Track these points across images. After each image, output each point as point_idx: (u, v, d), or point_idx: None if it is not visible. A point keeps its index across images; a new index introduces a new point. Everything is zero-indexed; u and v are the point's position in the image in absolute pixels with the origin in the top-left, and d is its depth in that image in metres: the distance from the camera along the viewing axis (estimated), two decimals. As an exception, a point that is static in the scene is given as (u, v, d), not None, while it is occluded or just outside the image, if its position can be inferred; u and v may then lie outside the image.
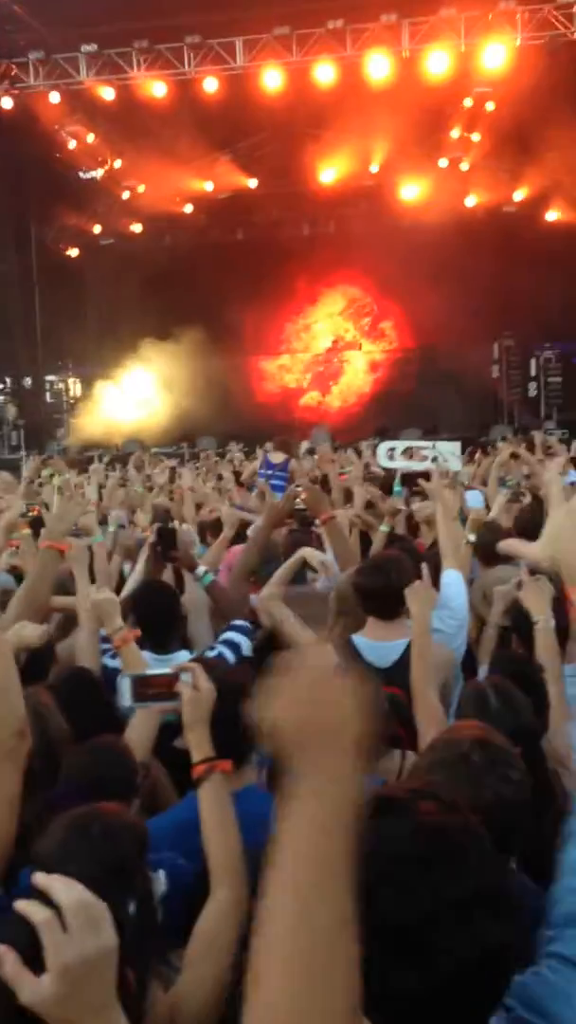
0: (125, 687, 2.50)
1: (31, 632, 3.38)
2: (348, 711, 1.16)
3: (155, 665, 3.58)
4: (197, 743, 2.46)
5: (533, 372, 20.88)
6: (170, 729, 2.78)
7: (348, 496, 7.15)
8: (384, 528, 5.65)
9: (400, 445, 8.90)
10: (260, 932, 1.07)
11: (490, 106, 17.94)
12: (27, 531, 5.22)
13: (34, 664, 3.57)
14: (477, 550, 5.21)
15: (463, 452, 10.44)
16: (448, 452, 8.27)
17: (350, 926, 1.05)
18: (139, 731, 3.06)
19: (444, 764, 2.13)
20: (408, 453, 8.50)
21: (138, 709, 2.81)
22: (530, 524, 6.02)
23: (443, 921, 1.22)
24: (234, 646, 3.97)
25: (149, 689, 2.50)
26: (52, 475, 10.30)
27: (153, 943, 2.11)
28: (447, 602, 4.36)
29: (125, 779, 2.69)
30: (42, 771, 2.67)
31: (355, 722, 1.16)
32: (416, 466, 7.61)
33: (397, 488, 7.43)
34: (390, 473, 8.42)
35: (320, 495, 5.51)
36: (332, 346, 23.32)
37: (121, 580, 5.08)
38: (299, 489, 6.06)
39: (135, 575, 4.57)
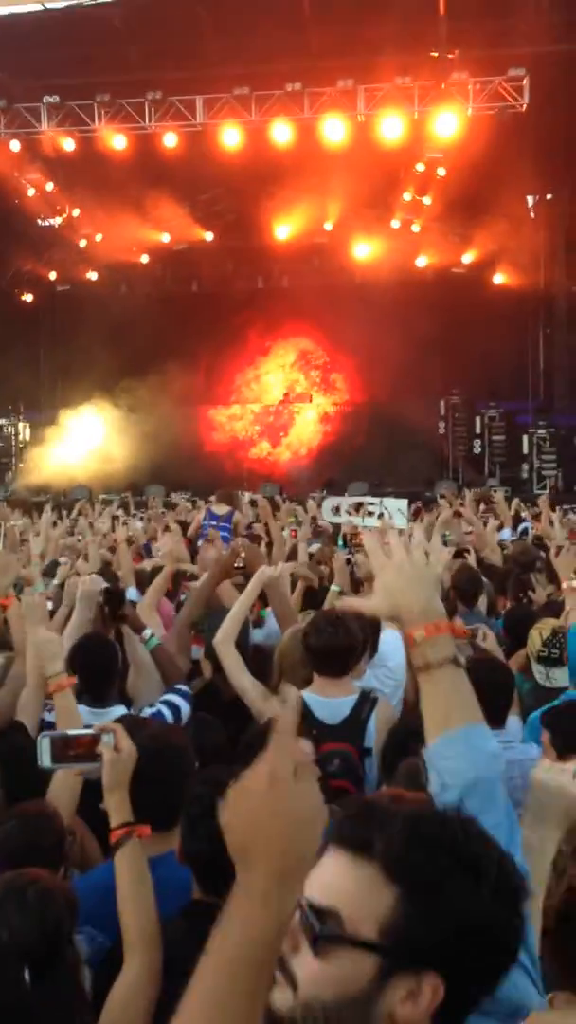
0: (45, 747, 2.45)
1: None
2: (300, 837, 1.20)
3: (90, 718, 3.56)
4: (116, 807, 2.41)
5: (478, 430, 21.28)
6: (97, 788, 2.75)
7: (293, 552, 7.18)
8: (335, 588, 5.67)
9: (346, 502, 8.99)
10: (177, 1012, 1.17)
11: (441, 171, 18.43)
12: None
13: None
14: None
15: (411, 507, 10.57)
16: (395, 509, 8.38)
17: None
18: (61, 792, 2.98)
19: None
20: (353, 509, 8.58)
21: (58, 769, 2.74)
22: (467, 581, 6.17)
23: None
24: (174, 708, 3.95)
25: (70, 750, 2.45)
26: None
27: (74, 1014, 2.09)
28: (384, 661, 4.43)
29: (54, 846, 2.64)
30: None
31: (304, 849, 1.21)
32: (361, 522, 7.69)
33: (340, 544, 7.50)
34: (337, 528, 8.51)
35: (256, 552, 5.56)
36: (283, 398, 23.53)
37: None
38: (242, 543, 6.10)
39: (71, 628, 4.52)
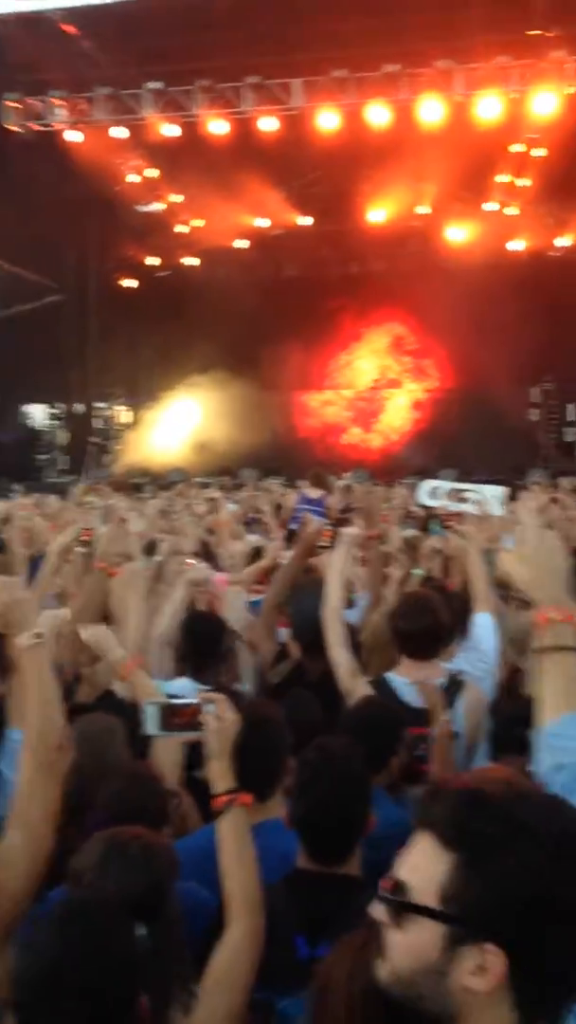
0: (152, 714, 2.51)
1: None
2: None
3: (189, 692, 3.68)
4: (219, 774, 2.45)
5: (571, 417, 20.87)
6: (194, 757, 2.84)
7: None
8: (420, 571, 5.67)
9: (444, 485, 8.94)
10: None
11: (538, 152, 18.11)
12: (81, 550, 5.29)
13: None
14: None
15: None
16: (491, 496, 8.31)
17: None
18: (164, 758, 3.09)
19: None
20: (450, 494, 8.53)
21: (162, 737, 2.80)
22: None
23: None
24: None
25: (175, 718, 2.50)
26: (93, 501, 10.48)
27: (176, 969, 2.14)
28: (477, 644, 4.38)
29: (158, 807, 2.72)
30: (92, 795, 2.76)
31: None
32: (457, 507, 7.63)
33: (436, 527, 7.43)
34: (428, 513, 8.49)
35: (376, 503, 5.45)
36: (375, 383, 23.47)
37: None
38: (329, 526, 6.13)
39: (169, 608, 4.64)
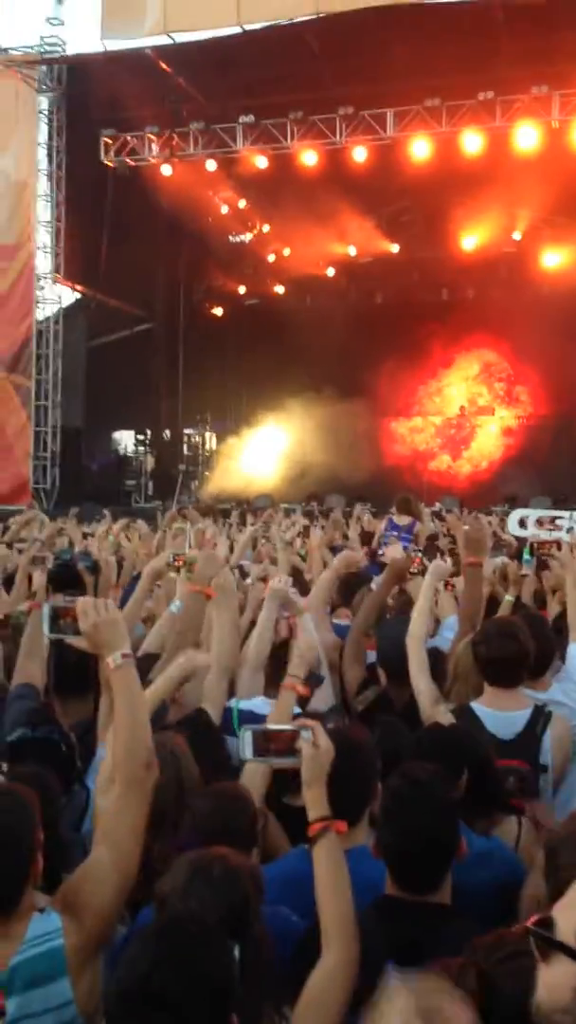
0: (247, 740, 2.50)
1: (203, 659, 3.52)
2: None
3: (266, 709, 3.65)
4: (314, 801, 2.43)
5: None
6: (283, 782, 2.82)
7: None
8: (509, 597, 5.53)
9: (532, 514, 8.77)
10: None
11: None
12: (174, 574, 5.32)
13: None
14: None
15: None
16: None
17: None
18: (254, 781, 3.08)
19: None
20: (540, 522, 8.36)
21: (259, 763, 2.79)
22: None
23: None
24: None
25: (270, 744, 2.49)
26: (183, 527, 10.56)
27: (264, 990, 2.11)
28: (572, 675, 4.25)
29: (247, 827, 2.70)
30: (172, 813, 2.78)
31: None
32: (548, 536, 7.46)
33: (527, 557, 7.31)
34: (521, 542, 8.30)
35: (482, 534, 5.38)
36: (464, 410, 23.25)
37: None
38: (417, 552, 6.04)
39: (258, 625, 4.60)
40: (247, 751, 2.51)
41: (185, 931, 1.86)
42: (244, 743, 2.51)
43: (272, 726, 2.60)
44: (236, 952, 1.92)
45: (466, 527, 5.49)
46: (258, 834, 2.81)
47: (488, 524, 11.42)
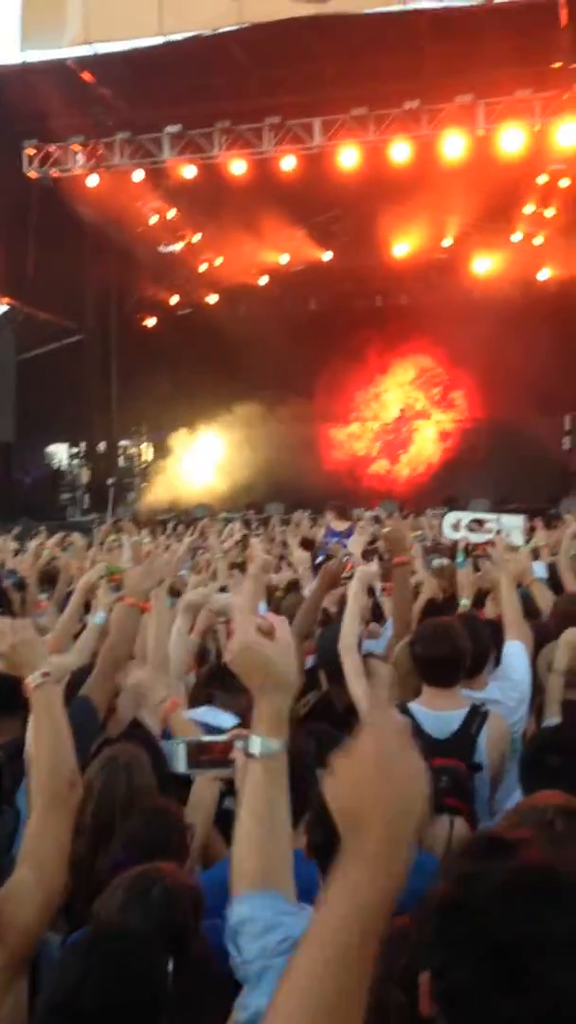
0: (180, 753, 2.44)
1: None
2: (408, 800, 1.25)
3: (209, 717, 3.61)
4: None
5: (604, 445, 20.68)
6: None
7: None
8: (465, 602, 5.55)
9: (465, 517, 8.82)
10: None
11: (564, 183, 18.11)
12: (108, 585, 5.28)
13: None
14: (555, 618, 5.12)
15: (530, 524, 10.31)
16: (511, 526, 8.19)
17: (355, 1004, 1.16)
18: (204, 794, 3.13)
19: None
20: (472, 525, 8.42)
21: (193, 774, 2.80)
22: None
23: (549, 953, 1.20)
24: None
25: (203, 755, 2.42)
26: (118, 539, 10.45)
27: (204, 1004, 2.12)
28: (509, 674, 4.29)
29: (178, 842, 2.72)
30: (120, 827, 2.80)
31: (412, 812, 1.24)
32: (479, 538, 7.54)
33: (460, 559, 7.37)
34: (454, 544, 8.35)
35: (402, 534, 5.42)
36: (401, 415, 23.43)
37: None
38: (350, 556, 6.04)
39: (172, 636, 4.60)
40: (180, 764, 2.44)
41: (115, 944, 1.87)
42: (177, 755, 2.45)
43: (207, 737, 2.54)
44: (170, 966, 1.92)
45: (385, 529, 5.51)
46: (189, 848, 2.81)
47: (431, 527, 11.52)
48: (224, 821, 3.08)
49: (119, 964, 1.81)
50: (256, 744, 1.75)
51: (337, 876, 1.22)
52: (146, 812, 2.81)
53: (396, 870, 1.21)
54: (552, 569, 7.31)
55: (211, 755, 2.40)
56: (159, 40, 16.60)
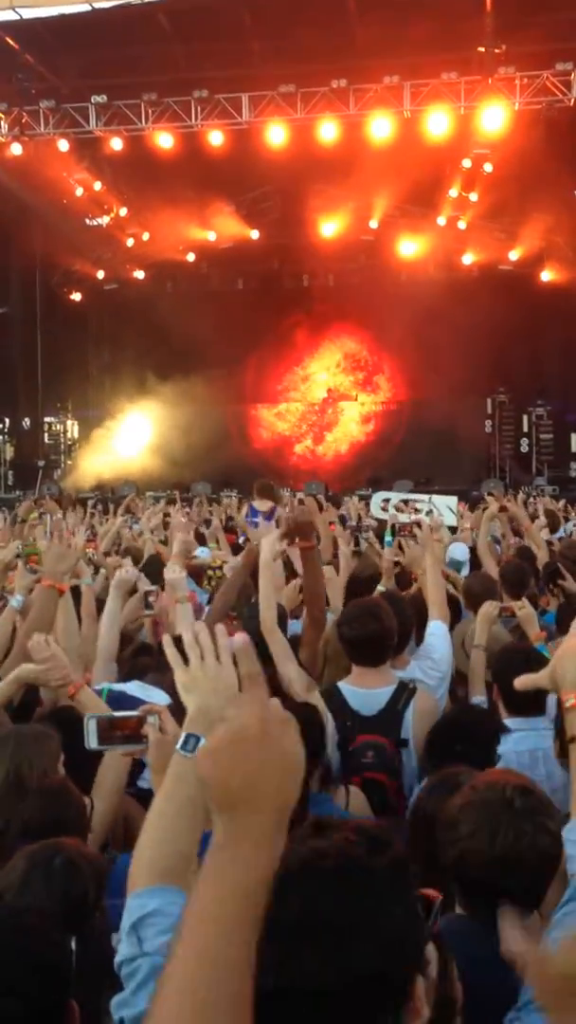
0: (92, 728, 2.45)
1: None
2: (278, 773, 1.22)
3: (139, 692, 3.60)
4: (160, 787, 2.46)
5: (525, 428, 21.07)
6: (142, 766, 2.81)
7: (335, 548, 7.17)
8: (382, 588, 5.58)
9: (395, 497, 8.91)
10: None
11: (488, 167, 18.29)
12: (23, 566, 5.20)
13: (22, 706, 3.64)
14: (466, 598, 5.24)
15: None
16: (443, 506, 8.31)
17: (242, 984, 1.11)
18: (109, 771, 3.08)
19: (485, 804, 2.13)
20: (401, 505, 8.52)
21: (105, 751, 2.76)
22: (515, 573, 6.14)
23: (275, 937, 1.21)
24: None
25: (115, 731, 2.42)
26: (41, 516, 10.32)
27: (105, 981, 2.05)
28: (430, 653, 4.33)
29: (74, 819, 2.72)
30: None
31: (284, 785, 1.22)
32: (406, 518, 7.63)
33: (388, 538, 7.44)
34: (382, 524, 8.45)
35: (308, 513, 5.41)
36: (328, 396, 23.53)
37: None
38: (296, 512, 6.04)
39: (104, 616, 4.56)
40: (92, 740, 2.44)
41: (16, 919, 1.85)
42: (89, 731, 2.45)
43: (118, 713, 2.53)
44: (73, 944, 1.90)
45: (290, 512, 5.51)
46: (87, 823, 2.83)
47: (355, 508, 11.63)
48: (145, 801, 3.11)
49: (18, 943, 1.79)
50: (198, 744, 1.71)
51: (216, 860, 1.17)
52: (40, 793, 2.79)
53: (278, 850, 1.19)
54: (473, 550, 7.49)
55: (123, 731, 2.40)
56: (86, 7, 16.25)
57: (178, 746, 1.73)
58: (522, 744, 3.52)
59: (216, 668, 1.79)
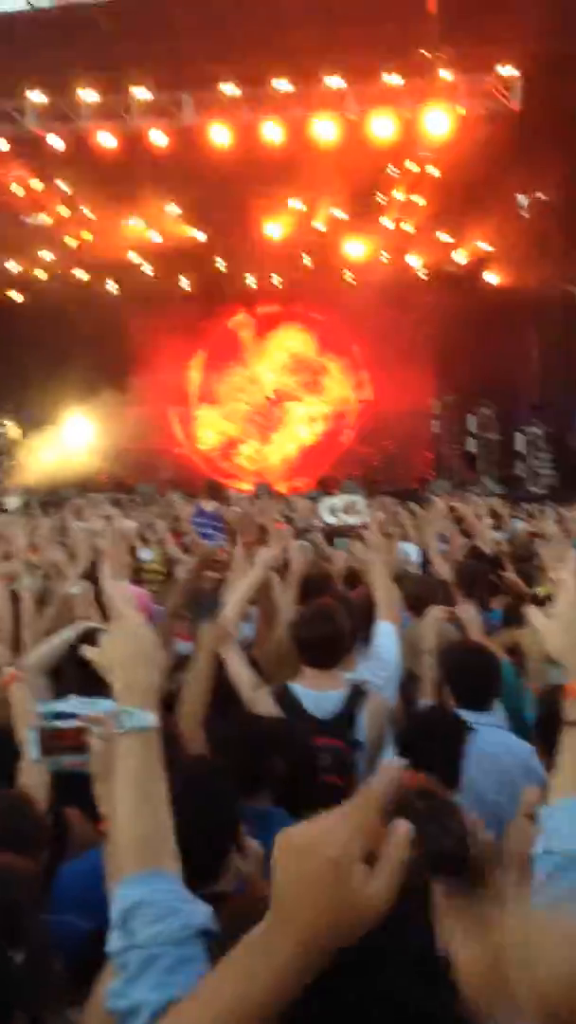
0: (33, 740, 2.35)
1: None
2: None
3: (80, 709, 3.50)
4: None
5: (472, 428, 21.22)
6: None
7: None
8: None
9: (340, 501, 8.93)
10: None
11: (433, 170, 18.41)
12: None
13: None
14: (407, 600, 5.19)
15: (402, 505, 10.52)
16: (364, 506, 8.40)
17: None
18: (31, 780, 2.98)
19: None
20: (348, 508, 8.52)
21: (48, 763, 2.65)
22: (468, 574, 6.14)
23: None
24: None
25: (58, 742, 2.33)
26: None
27: (47, 993, 2.08)
28: (378, 654, 4.33)
29: (30, 832, 2.64)
30: None
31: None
32: (355, 520, 7.64)
33: (340, 541, 7.43)
34: (332, 529, 8.42)
35: (248, 516, 5.42)
36: (274, 397, 23.48)
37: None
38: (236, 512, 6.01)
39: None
40: (34, 751, 2.34)
41: None
42: (30, 743, 2.35)
43: (61, 724, 2.41)
44: (17, 958, 1.89)
45: (234, 512, 5.50)
46: (45, 838, 2.73)
47: (301, 509, 11.54)
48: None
49: None
50: (135, 718, 1.68)
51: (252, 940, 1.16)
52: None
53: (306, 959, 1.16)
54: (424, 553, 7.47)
55: (64, 742, 2.32)
56: (24, 6, 16.04)
57: (136, 723, 1.68)
58: (490, 739, 3.54)
59: (126, 635, 1.79)
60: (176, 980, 1.38)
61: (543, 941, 1.04)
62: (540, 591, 4.75)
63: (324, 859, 1.11)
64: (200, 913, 1.51)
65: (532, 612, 2.06)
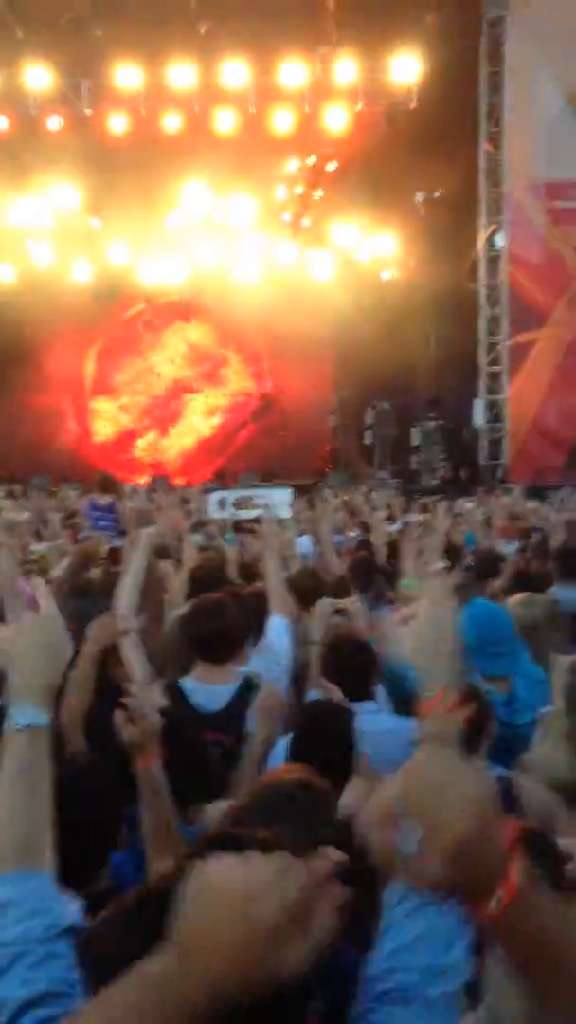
0: None
1: None
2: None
3: None
4: None
5: (368, 422, 21.44)
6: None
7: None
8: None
9: (231, 495, 8.93)
10: None
11: (332, 166, 18.54)
12: None
13: None
14: (296, 594, 5.23)
15: (297, 499, 10.57)
16: (278, 500, 8.38)
17: None
18: None
19: (267, 802, 2.09)
20: (239, 502, 8.53)
21: None
22: (362, 568, 6.23)
23: None
24: None
25: None
26: None
27: None
28: (271, 647, 4.35)
29: None
30: None
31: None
32: (246, 515, 7.66)
33: (229, 536, 7.44)
34: (223, 523, 8.42)
35: (145, 512, 5.36)
36: (172, 389, 23.27)
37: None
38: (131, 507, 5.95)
39: None
40: None
41: None
42: None
43: None
44: None
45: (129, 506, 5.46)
46: None
47: (196, 502, 11.51)
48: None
49: None
50: (29, 716, 1.66)
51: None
52: None
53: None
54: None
55: None
56: None
57: (26, 720, 1.67)
58: (375, 726, 3.52)
59: (36, 627, 1.77)
60: (40, 976, 1.37)
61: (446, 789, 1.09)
62: (407, 585, 4.82)
63: (240, 914, 1.02)
64: (69, 912, 1.51)
65: (387, 619, 2.08)
